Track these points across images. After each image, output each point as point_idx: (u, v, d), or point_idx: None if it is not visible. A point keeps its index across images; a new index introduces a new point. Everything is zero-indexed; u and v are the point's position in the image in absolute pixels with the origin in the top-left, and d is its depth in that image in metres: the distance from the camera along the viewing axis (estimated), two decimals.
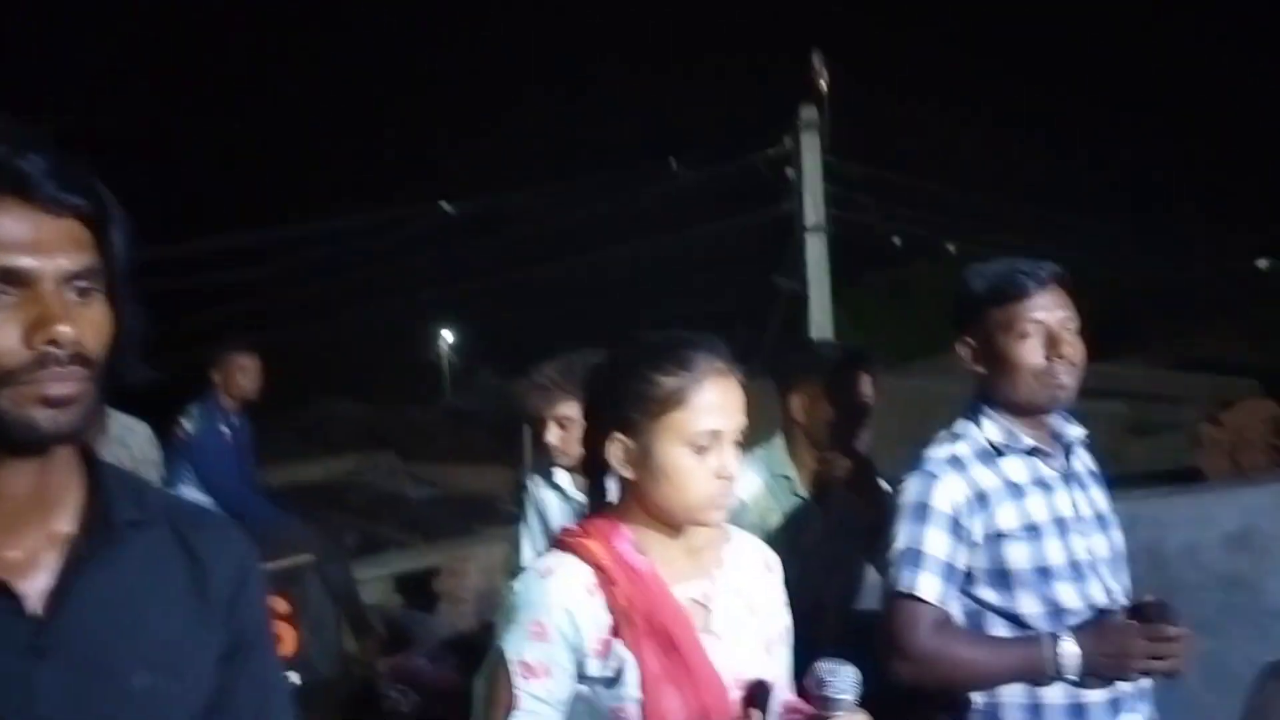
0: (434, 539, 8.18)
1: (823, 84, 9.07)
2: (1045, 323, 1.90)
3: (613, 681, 1.41)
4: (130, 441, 4.03)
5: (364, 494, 10.75)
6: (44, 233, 0.94)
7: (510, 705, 1.41)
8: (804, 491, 2.64)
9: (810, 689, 1.39)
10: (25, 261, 0.93)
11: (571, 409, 2.82)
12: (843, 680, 1.37)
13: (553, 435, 2.89)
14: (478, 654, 3.51)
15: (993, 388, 1.96)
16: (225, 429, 4.57)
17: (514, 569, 3.36)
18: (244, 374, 4.57)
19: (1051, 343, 1.89)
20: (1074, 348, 1.91)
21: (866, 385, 2.61)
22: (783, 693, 1.59)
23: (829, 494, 2.67)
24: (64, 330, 0.93)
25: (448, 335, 40.94)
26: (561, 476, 3.05)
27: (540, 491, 3.15)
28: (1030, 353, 1.90)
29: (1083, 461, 2.05)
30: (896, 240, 9.74)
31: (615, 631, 1.42)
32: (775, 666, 1.56)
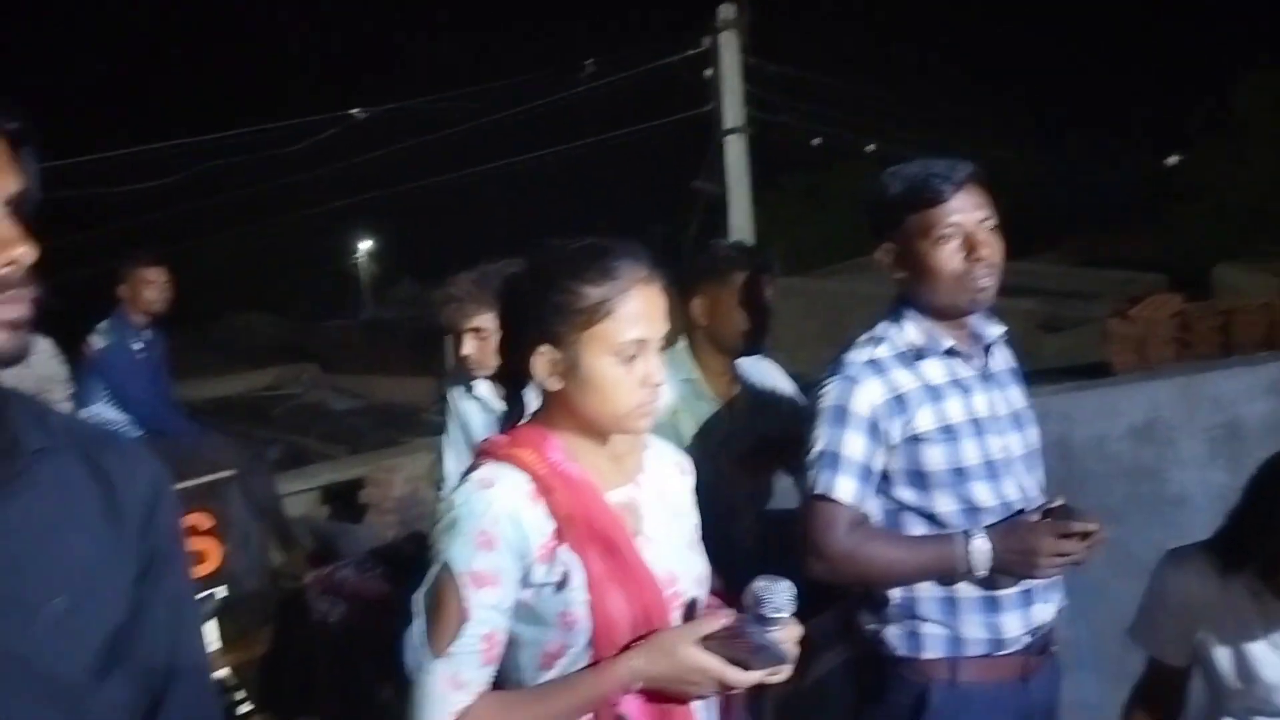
0: (359, 450, 8.13)
1: None
2: (963, 225, 1.89)
3: (559, 587, 1.42)
4: (33, 359, 3.89)
5: (287, 407, 10.65)
6: None
7: (462, 617, 1.40)
8: (710, 394, 2.66)
9: (748, 607, 1.41)
10: None
11: (487, 320, 2.79)
12: (779, 596, 1.39)
13: (469, 347, 2.87)
14: (404, 563, 3.55)
15: (914, 292, 1.97)
16: (136, 344, 4.43)
17: (438, 480, 3.37)
18: (151, 288, 4.41)
19: (970, 246, 1.89)
20: (992, 249, 1.91)
21: (767, 287, 2.62)
22: (705, 591, 1.62)
23: (733, 396, 2.70)
24: (25, 251, 0.94)
25: (365, 245, 40.07)
26: (481, 387, 3.04)
27: (461, 403, 3.14)
28: (949, 258, 1.90)
29: (1002, 359, 2.08)
30: (815, 142, 9.71)
31: (559, 536, 1.43)
32: (702, 564, 1.59)
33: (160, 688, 1.12)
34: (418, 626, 1.46)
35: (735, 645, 1.41)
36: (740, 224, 8.80)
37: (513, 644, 1.47)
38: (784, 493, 2.81)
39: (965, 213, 1.90)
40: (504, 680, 1.52)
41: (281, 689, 4.11)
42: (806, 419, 2.01)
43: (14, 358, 0.96)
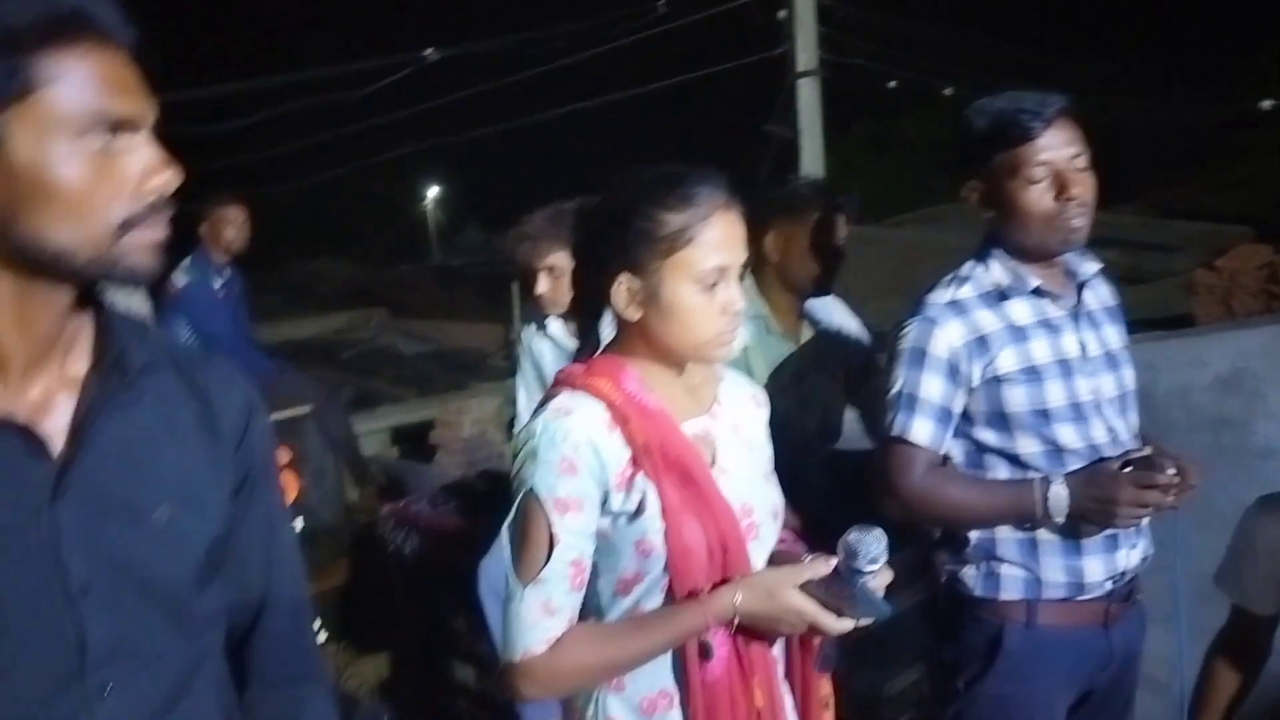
0: (427, 394, 8.26)
1: None
2: (1053, 163, 1.82)
3: (635, 515, 1.43)
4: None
5: (356, 351, 10.81)
6: (132, 77, 0.95)
7: (550, 542, 1.42)
8: (779, 331, 2.65)
9: (841, 557, 1.41)
10: (132, 109, 0.94)
11: (561, 258, 2.79)
12: (873, 546, 1.39)
13: (543, 285, 2.87)
14: (476, 499, 3.61)
15: (1002, 231, 1.91)
16: (217, 282, 4.53)
17: (508, 420, 3.41)
18: (231, 227, 4.50)
19: (1061, 185, 1.83)
20: (1085, 187, 1.84)
21: (842, 227, 2.60)
22: (780, 524, 1.62)
23: (802, 334, 2.69)
24: (174, 176, 0.96)
25: (433, 192, 40.35)
26: (554, 326, 3.05)
27: (534, 342, 3.16)
28: (1039, 198, 1.84)
29: (1097, 298, 2.02)
30: (892, 85, 9.48)
31: (635, 465, 1.44)
32: (776, 497, 1.59)
33: (256, 602, 1.16)
34: (507, 556, 1.48)
35: (834, 593, 1.42)
36: (811, 169, 8.64)
37: (590, 572, 1.49)
38: (854, 431, 2.80)
39: (1056, 150, 1.83)
40: (581, 607, 1.53)
41: (357, 619, 4.24)
42: (886, 359, 1.99)
43: (153, 277, 0.98)
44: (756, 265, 2.61)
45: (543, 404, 1.51)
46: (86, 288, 1.01)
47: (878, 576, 1.42)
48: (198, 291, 4.44)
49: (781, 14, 8.71)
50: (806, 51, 8.70)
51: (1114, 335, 2.01)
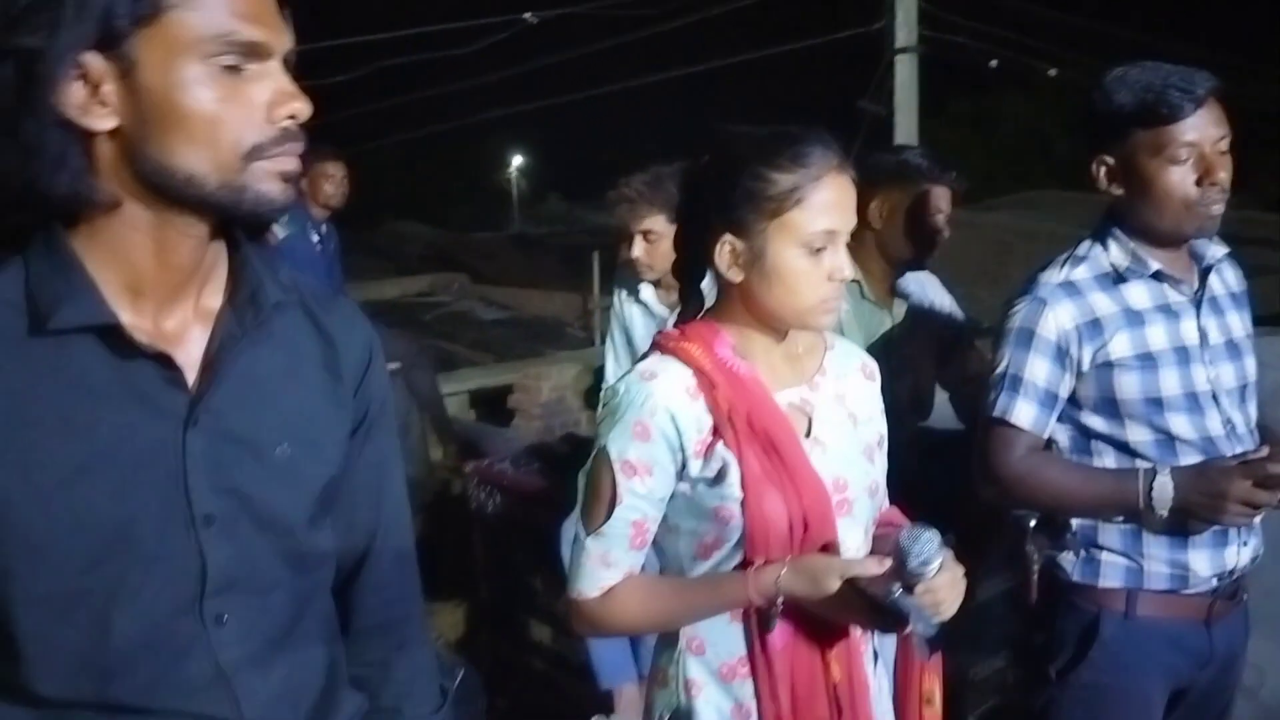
0: (504, 359, 8.35)
1: None
2: (1199, 145, 1.74)
3: (715, 481, 1.42)
4: None
5: (437, 314, 10.98)
6: (269, 5, 0.95)
7: (613, 500, 1.43)
8: (872, 296, 2.60)
9: (892, 561, 1.35)
10: (264, 35, 0.94)
11: (658, 222, 2.79)
12: (925, 548, 1.32)
13: (638, 249, 2.87)
14: (558, 461, 3.64)
15: (1130, 211, 1.83)
16: (314, 236, 4.61)
17: (586, 387, 3.43)
18: (330, 182, 4.56)
19: (1205, 169, 1.74)
20: (1228, 172, 1.75)
21: (948, 202, 2.54)
22: (882, 502, 1.59)
23: (894, 305, 2.64)
24: (304, 106, 0.96)
25: (517, 161, 40.68)
26: (646, 291, 3.05)
27: (625, 307, 3.16)
28: (1181, 180, 1.75)
29: (1223, 283, 1.94)
30: (993, 64, 9.21)
31: (717, 433, 1.42)
32: (876, 473, 1.56)
33: (363, 545, 1.17)
34: (579, 503, 1.51)
35: (877, 598, 1.35)
36: None
37: (672, 532, 1.49)
38: (943, 410, 2.75)
39: (1203, 130, 1.74)
40: (664, 565, 1.56)
41: (435, 575, 4.32)
42: (993, 339, 1.94)
43: (284, 209, 0.99)
44: (856, 230, 2.58)
45: (637, 363, 1.51)
46: (223, 222, 1.01)
47: (930, 579, 1.33)
48: (296, 244, 4.50)
49: None
50: (905, 28, 8.52)
51: (1238, 322, 1.92)
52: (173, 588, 0.98)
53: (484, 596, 3.74)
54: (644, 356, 1.51)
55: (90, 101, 0.90)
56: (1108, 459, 1.87)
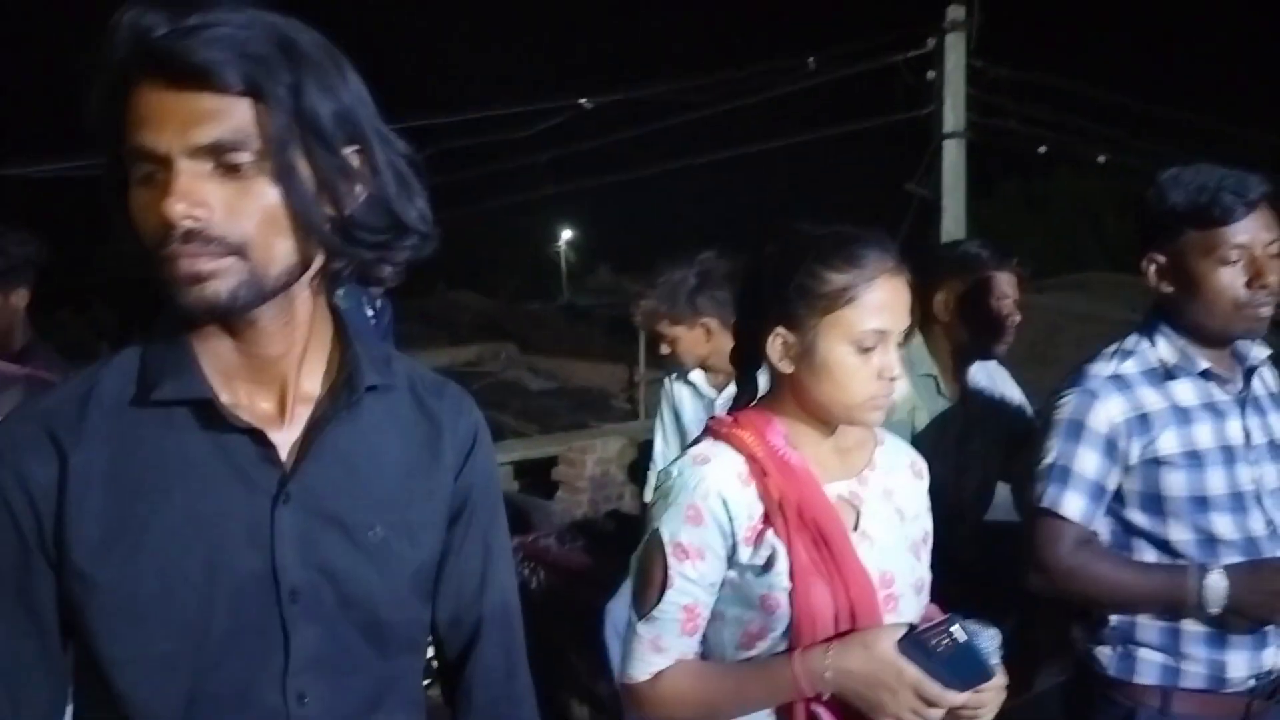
0: (550, 430, 8.38)
1: None
2: (1249, 248, 1.77)
3: (763, 569, 1.43)
4: None
5: (485, 383, 11.06)
6: (171, 105, 0.90)
7: (664, 584, 1.44)
8: (946, 391, 2.60)
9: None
10: (150, 139, 0.91)
11: (678, 330, 2.94)
12: (987, 644, 1.34)
13: (664, 349, 3.02)
14: (604, 539, 3.64)
15: (1178, 309, 1.86)
16: (369, 310, 4.69)
17: (632, 462, 3.44)
18: None
19: (1256, 271, 1.77)
20: (1278, 276, 1.78)
21: (1012, 288, 2.55)
22: (926, 600, 1.58)
23: (966, 396, 2.63)
24: (174, 208, 0.90)
25: (566, 234, 41.29)
26: (696, 374, 3.10)
27: (674, 387, 3.21)
28: (1231, 282, 1.78)
29: (1264, 384, 1.94)
30: (1042, 149, 9.24)
31: (767, 521, 1.43)
32: (922, 570, 1.56)
33: (469, 632, 1.17)
34: (631, 586, 1.53)
35: (934, 655, 1.33)
36: (953, 230, 8.49)
37: (718, 619, 1.50)
38: (1005, 503, 2.73)
39: (1254, 234, 1.77)
40: (707, 653, 1.55)
41: None
42: (1040, 429, 1.94)
43: (218, 311, 0.96)
44: (925, 324, 2.58)
45: (689, 448, 1.53)
46: (329, 306, 1.08)
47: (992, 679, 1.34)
48: (351, 318, 4.56)
49: (930, 74, 8.65)
50: (954, 112, 8.60)
51: (1278, 424, 1.93)
52: (257, 661, 0.99)
53: None
54: (697, 441, 1.54)
55: None
56: (1147, 556, 1.86)
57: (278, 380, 1.05)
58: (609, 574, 3.15)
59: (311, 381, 1.07)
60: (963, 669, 1.34)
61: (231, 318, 0.99)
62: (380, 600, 1.05)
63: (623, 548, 3.22)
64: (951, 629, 1.32)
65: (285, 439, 1.03)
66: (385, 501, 1.06)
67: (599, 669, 3.07)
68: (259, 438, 1.01)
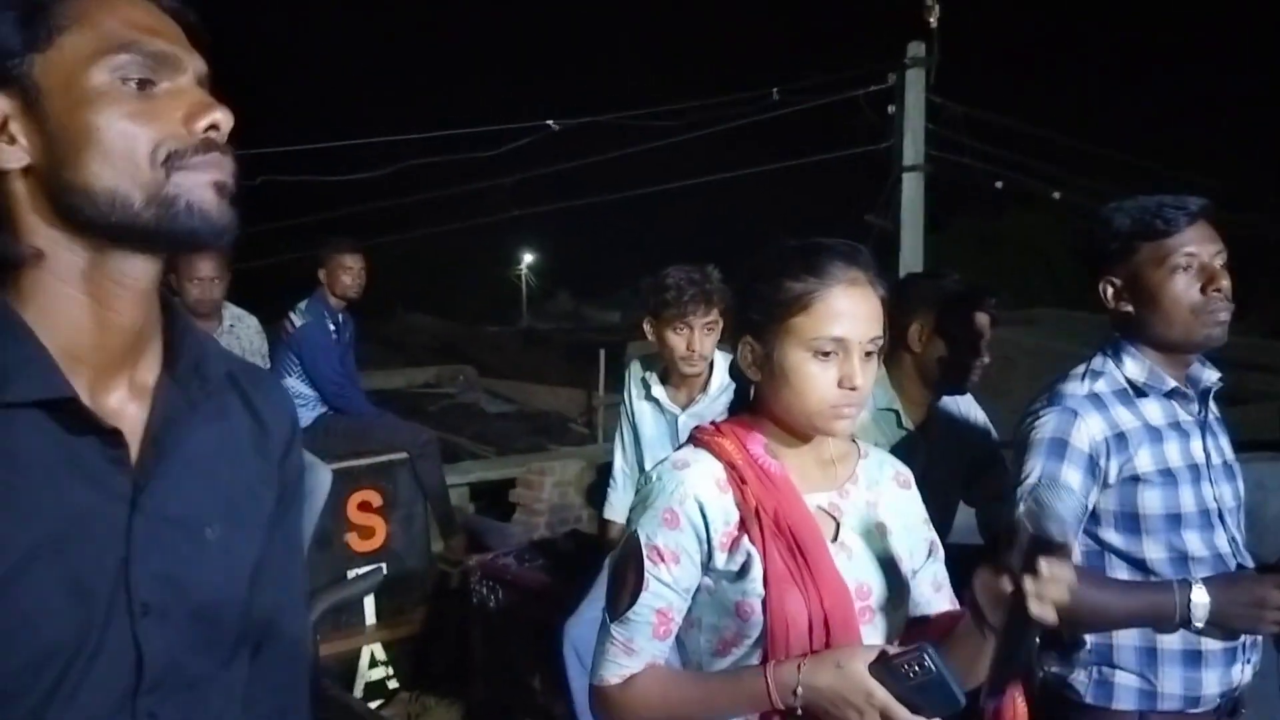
0: (507, 453, 8.33)
1: (933, 20, 8.77)
2: (1199, 256, 1.83)
3: (738, 576, 1.44)
4: (240, 331, 4.18)
5: (442, 405, 10.97)
6: (167, 25, 0.92)
7: (639, 587, 1.45)
8: (909, 424, 2.60)
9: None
10: (168, 47, 0.90)
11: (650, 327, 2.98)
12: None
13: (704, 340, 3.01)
14: (562, 558, 3.63)
15: (1140, 326, 1.90)
16: (330, 326, 4.67)
17: (589, 485, 3.45)
18: (349, 274, 4.64)
19: (1208, 277, 1.83)
20: (1229, 282, 1.84)
21: (986, 324, 2.56)
22: (905, 615, 1.56)
23: (930, 427, 2.64)
24: (225, 116, 0.90)
25: (528, 259, 41.28)
26: (659, 390, 3.12)
27: (636, 405, 3.22)
28: (1186, 288, 1.84)
29: (1212, 408, 2.00)
30: (999, 185, 9.44)
31: (743, 527, 1.44)
32: (903, 582, 1.53)
33: (261, 629, 1.07)
34: (606, 588, 1.53)
35: (904, 679, 1.32)
36: (911, 262, 8.64)
37: (693, 625, 1.50)
38: (965, 526, 2.76)
39: (1200, 243, 1.84)
40: (683, 659, 1.55)
41: (433, 668, 4.26)
42: (1017, 449, 1.95)
43: (225, 229, 0.91)
44: (893, 355, 2.57)
45: (668, 456, 1.54)
46: (161, 290, 0.97)
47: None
48: (312, 333, 4.57)
49: (891, 109, 8.81)
50: (913, 146, 8.77)
51: (1228, 447, 1.99)
52: (109, 684, 0.89)
53: (481, 694, 3.70)
54: (680, 448, 1.56)
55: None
56: (1121, 575, 1.89)
57: (127, 365, 0.95)
58: (568, 593, 3.14)
59: (148, 371, 0.97)
60: (932, 697, 1.33)
61: (213, 245, 0.93)
62: (226, 603, 0.98)
63: (582, 568, 3.25)
64: (923, 656, 1.31)
65: (130, 435, 0.93)
66: (223, 498, 0.99)
67: (555, 688, 3.06)
68: (113, 438, 0.90)
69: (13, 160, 0.86)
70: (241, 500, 1.01)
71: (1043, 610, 1.26)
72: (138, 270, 0.92)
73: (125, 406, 0.94)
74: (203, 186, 0.89)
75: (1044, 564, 1.25)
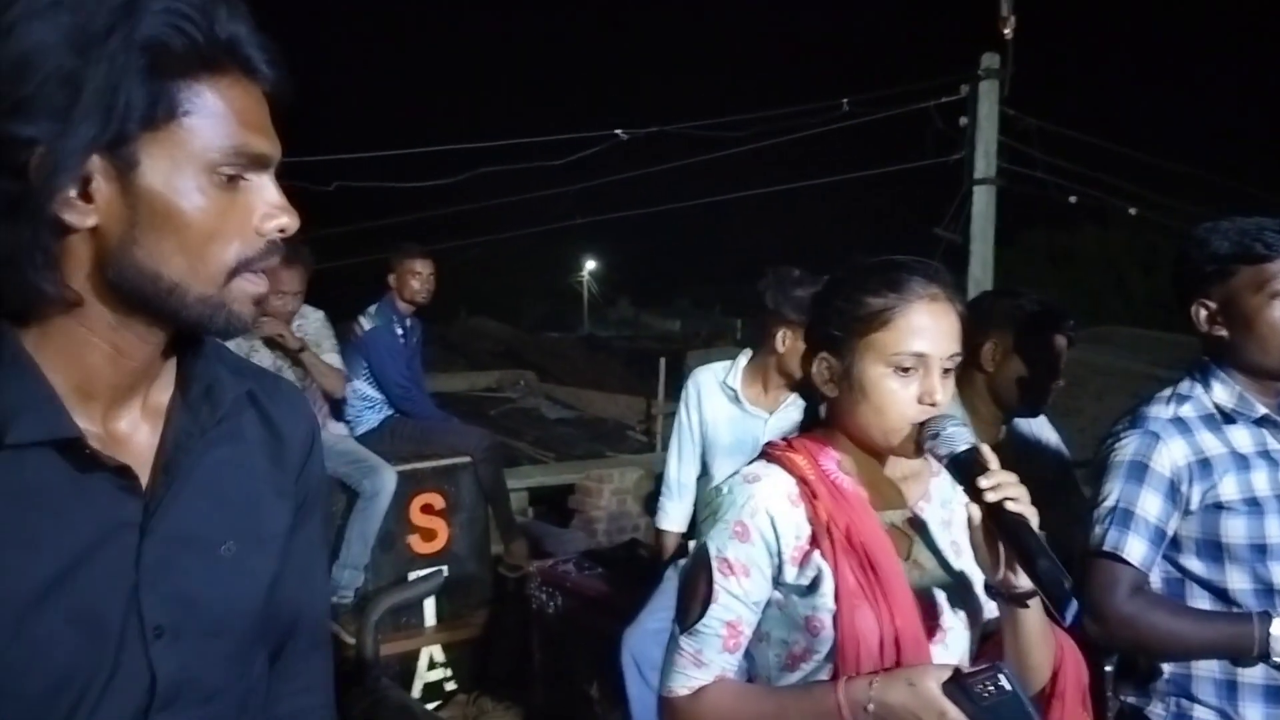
0: (565, 459, 8.38)
1: (1007, 31, 8.63)
2: None
3: (808, 590, 1.42)
4: (307, 328, 4.25)
5: (502, 409, 11.07)
6: (264, 114, 0.91)
7: (708, 598, 1.44)
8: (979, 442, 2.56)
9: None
10: (268, 147, 0.91)
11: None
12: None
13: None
14: (620, 566, 3.62)
15: (1233, 351, 1.86)
16: (399, 330, 4.72)
17: (647, 494, 3.44)
18: (418, 279, 4.69)
19: None
20: None
21: (1063, 346, 2.49)
22: (974, 634, 1.53)
23: (1003, 448, 2.59)
24: (293, 221, 0.92)
25: (590, 266, 41.51)
26: (746, 392, 3.13)
27: (709, 412, 3.21)
28: None
29: None
30: (1072, 199, 9.25)
31: (814, 542, 1.43)
32: (977, 602, 1.51)
33: (285, 631, 1.10)
34: (676, 599, 1.52)
35: (978, 699, 1.28)
36: (980, 276, 8.51)
37: (762, 640, 1.49)
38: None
39: None
40: (752, 673, 1.53)
41: (491, 671, 4.29)
42: (1097, 471, 1.91)
43: (243, 333, 0.94)
44: (965, 373, 2.51)
45: (739, 470, 1.53)
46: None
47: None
48: (381, 336, 4.63)
49: (963, 120, 8.69)
50: (985, 159, 8.64)
51: None
52: (124, 705, 0.91)
53: (539, 700, 3.71)
54: (751, 463, 1.54)
55: (77, 198, 0.85)
56: (1202, 604, 1.83)
57: (140, 391, 0.96)
58: (627, 602, 3.13)
59: (161, 392, 0.98)
60: (1006, 718, 1.29)
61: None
62: (241, 620, 0.99)
63: (641, 577, 3.24)
64: (998, 676, 1.28)
65: (140, 459, 0.94)
66: (237, 515, 1.00)
67: (613, 697, 3.05)
68: (123, 471, 0.91)
69: (86, 219, 0.86)
70: (258, 516, 1.02)
71: (1017, 506, 1.36)
72: (159, 336, 0.94)
73: (137, 429, 0.96)
74: (245, 300, 0.91)
75: (981, 479, 1.35)
